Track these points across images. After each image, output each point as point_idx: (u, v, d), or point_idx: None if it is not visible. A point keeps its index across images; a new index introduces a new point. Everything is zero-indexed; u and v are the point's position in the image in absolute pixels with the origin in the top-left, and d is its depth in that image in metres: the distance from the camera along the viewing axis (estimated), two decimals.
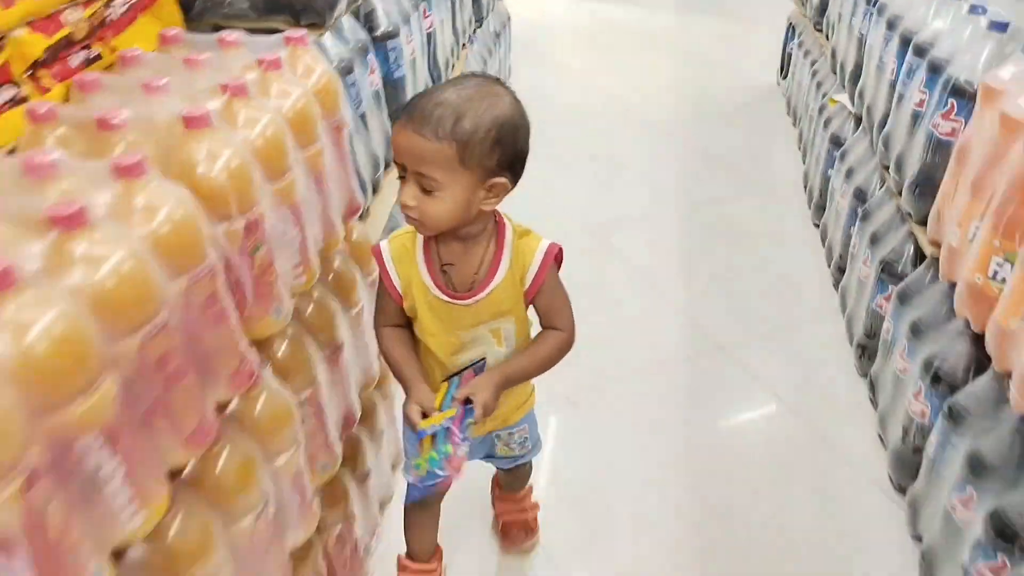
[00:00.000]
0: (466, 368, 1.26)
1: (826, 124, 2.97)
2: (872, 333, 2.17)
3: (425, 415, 1.18)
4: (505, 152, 1.12)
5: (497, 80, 1.16)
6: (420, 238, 1.23)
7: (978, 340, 1.55)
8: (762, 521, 1.82)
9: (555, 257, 1.25)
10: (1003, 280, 1.43)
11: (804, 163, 3.38)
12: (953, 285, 1.64)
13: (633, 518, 1.82)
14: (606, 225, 3.01)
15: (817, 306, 2.59)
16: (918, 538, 1.70)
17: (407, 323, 1.29)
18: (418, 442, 1.18)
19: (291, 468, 1.17)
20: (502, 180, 1.14)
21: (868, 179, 2.42)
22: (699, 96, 4.22)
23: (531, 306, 1.28)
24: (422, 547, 1.55)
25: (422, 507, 1.50)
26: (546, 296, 1.25)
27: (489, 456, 1.49)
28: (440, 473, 1.12)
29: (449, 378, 1.25)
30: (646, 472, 1.95)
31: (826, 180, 2.86)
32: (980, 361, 1.59)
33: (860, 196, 2.42)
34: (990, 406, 1.49)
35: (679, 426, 2.09)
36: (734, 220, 3.09)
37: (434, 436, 1.14)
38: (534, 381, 1.40)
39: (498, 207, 1.20)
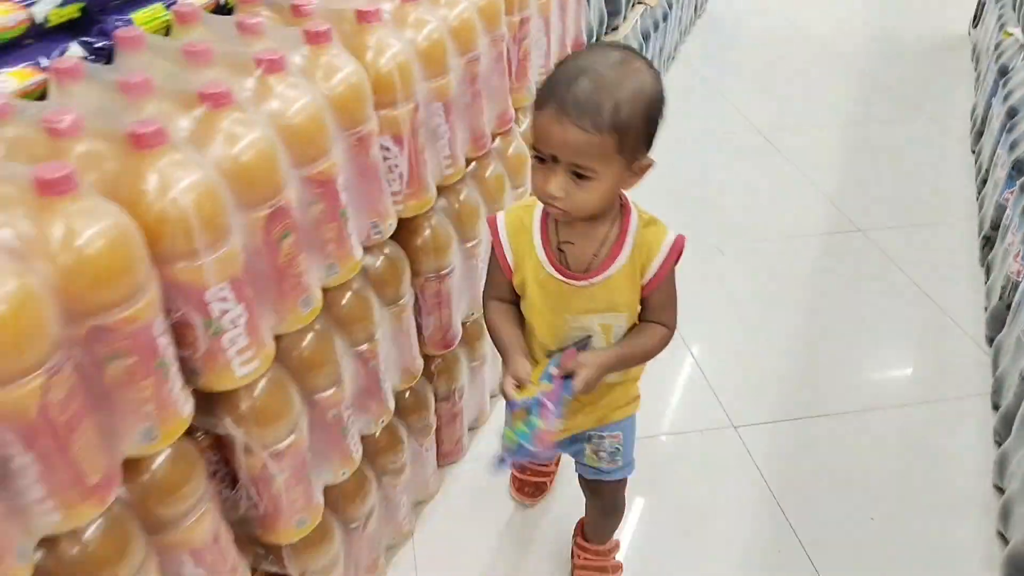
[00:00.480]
0: (569, 347, 1.19)
1: (998, 58, 3.19)
2: (996, 224, 2.48)
3: (520, 388, 1.13)
4: (652, 132, 1.07)
5: (633, 50, 1.09)
6: (538, 212, 1.17)
7: None
8: (870, 371, 2.23)
9: (678, 252, 1.17)
10: None
11: (976, 95, 3.60)
12: None
13: (743, 357, 2.24)
14: (772, 127, 3.41)
15: (958, 210, 2.89)
16: (995, 365, 2.07)
17: (516, 300, 1.25)
18: (511, 414, 1.14)
19: (371, 353, 1.33)
20: (648, 161, 1.08)
21: (1021, 99, 2.68)
22: (888, 38, 4.43)
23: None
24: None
25: None
26: (662, 291, 1.18)
27: (576, 460, 1.41)
28: (527, 447, 1.07)
29: (551, 354, 1.19)
30: (773, 322, 2.39)
31: (988, 107, 3.11)
32: None
33: (1012, 113, 2.68)
34: None
35: (808, 287, 2.51)
36: (894, 138, 3.40)
37: (527, 409, 1.10)
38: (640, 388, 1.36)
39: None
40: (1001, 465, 1.76)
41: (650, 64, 1.06)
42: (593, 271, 1.14)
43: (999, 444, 1.84)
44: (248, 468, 1.11)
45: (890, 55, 4.20)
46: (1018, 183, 2.28)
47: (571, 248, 1.14)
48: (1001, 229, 2.38)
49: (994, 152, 2.77)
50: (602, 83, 0.99)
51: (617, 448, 1.34)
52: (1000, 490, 1.74)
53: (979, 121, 3.25)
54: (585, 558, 1.55)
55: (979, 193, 2.90)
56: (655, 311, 1.19)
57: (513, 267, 1.20)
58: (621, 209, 1.15)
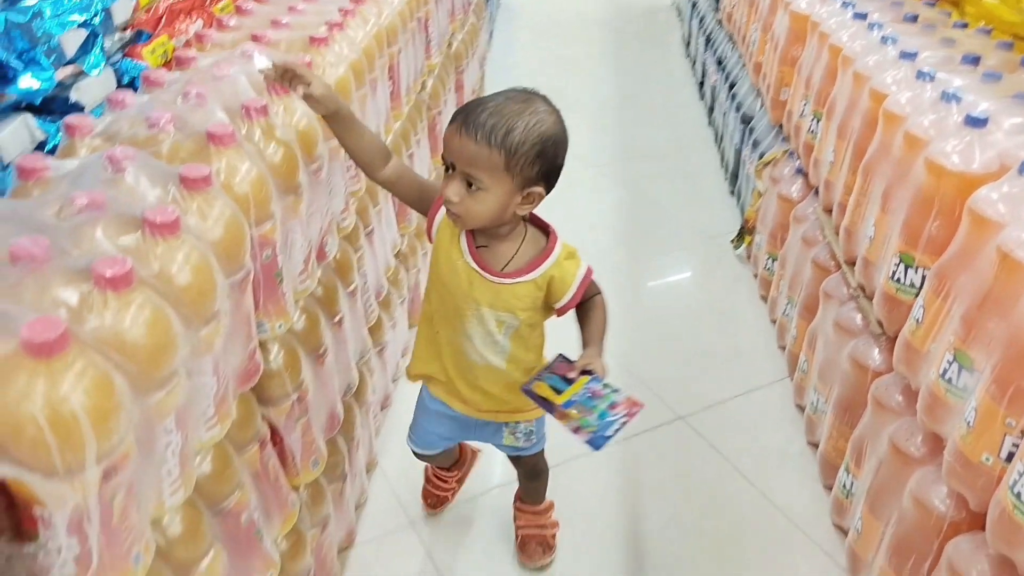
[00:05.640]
0: (552, 365, 1.29)
1: (695, 6, 4.39)
2: (711, 107, 3.49)
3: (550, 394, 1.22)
4: (545, 165, 1.15)
5: (543, 97, 1.18)
6: None
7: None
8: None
9: (587, 282, 1.27)
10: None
11: (682, 28, 4.90)
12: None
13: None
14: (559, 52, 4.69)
15: (690, 102, 3.92)
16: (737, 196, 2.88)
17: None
18: (557, 413, 1.20)
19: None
20: (538, 190, 1.17)
21: (711, 23, 3.75)
22: (620, 8, 5.80)
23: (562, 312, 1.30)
24: (440, 466, 1.66)
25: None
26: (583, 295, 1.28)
27: (495, 443, 1.48)
28: (614, 418, 1.16)
29: (539, 377, 1.27)
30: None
31: (690, 34, 4.37)
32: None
33: (708, 38, 3.77)
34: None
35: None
36: (639, 60, 4.69)
37: (579, 405, 1.19)
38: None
39: (552, 225, 1.26)
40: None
41: (555, 111, 1.17)
42: (506, 274, 1.23)
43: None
44: None
45: (626, 17, 5.62)
46: (748, 128, 2.88)
47: (485, 251, 1.24)
48: (716, 106, 3.35)
49: (705, 63, 3.82)
50: (500, 111, 1.12)
51: (531, 431, 1.45)
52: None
53: (688, 37, 4.52)
54: (525, 519, 1.64)
55: (700, 90, 3.92)
56: (587, 296, 1.30)
57: (433, 240, 1.29)
58: (547, 237, 1.26)
